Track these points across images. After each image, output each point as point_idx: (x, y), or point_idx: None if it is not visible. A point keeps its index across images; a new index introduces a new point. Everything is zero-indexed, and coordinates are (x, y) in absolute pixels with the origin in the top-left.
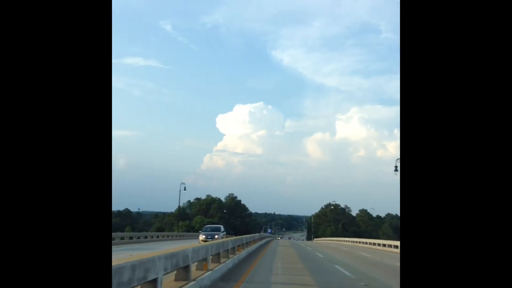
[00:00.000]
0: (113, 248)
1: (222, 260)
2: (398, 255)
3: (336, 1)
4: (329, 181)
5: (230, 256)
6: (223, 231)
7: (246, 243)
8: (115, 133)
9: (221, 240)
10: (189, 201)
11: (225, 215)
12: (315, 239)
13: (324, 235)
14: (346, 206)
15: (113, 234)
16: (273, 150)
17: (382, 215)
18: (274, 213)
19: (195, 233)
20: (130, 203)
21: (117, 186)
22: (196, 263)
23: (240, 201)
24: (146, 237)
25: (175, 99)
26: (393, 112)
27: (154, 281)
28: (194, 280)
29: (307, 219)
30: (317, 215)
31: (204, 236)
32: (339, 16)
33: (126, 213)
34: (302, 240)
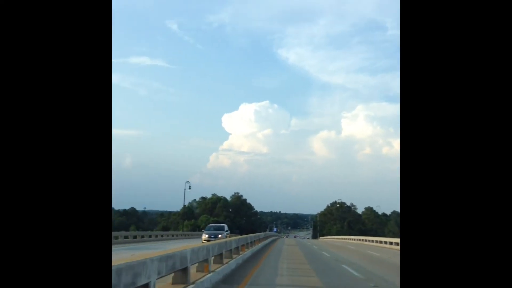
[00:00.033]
0: (115, 247)
1: (225, 260)
2: None
3: None
4: (335, 179)
5: (234, 256)
6: (227, 230)
7: (251, 242)
8: (121, 132)
9: (224, 240)
10: (195, 200)
11: (230, 214)
12: (320, 237)
13: (329, 233)
14: (352, 204)
15: (117, 233)
16: (278, 148)
17: (388, 212)
18: (279, 211)
19: (200, 232)
20: (136, 202)
21: (123, 185)
22: (196, 264)
23: (245, 200)
24: (150, 236)
25: (181, 99)
26: (399, 109)
27: (146, 286)
28: (193, 283)
29: (313, 217)
30: (322, 214)
31: (207, 236)
32: (344, 13)
33: (132, 212)
34: (308, 238)
